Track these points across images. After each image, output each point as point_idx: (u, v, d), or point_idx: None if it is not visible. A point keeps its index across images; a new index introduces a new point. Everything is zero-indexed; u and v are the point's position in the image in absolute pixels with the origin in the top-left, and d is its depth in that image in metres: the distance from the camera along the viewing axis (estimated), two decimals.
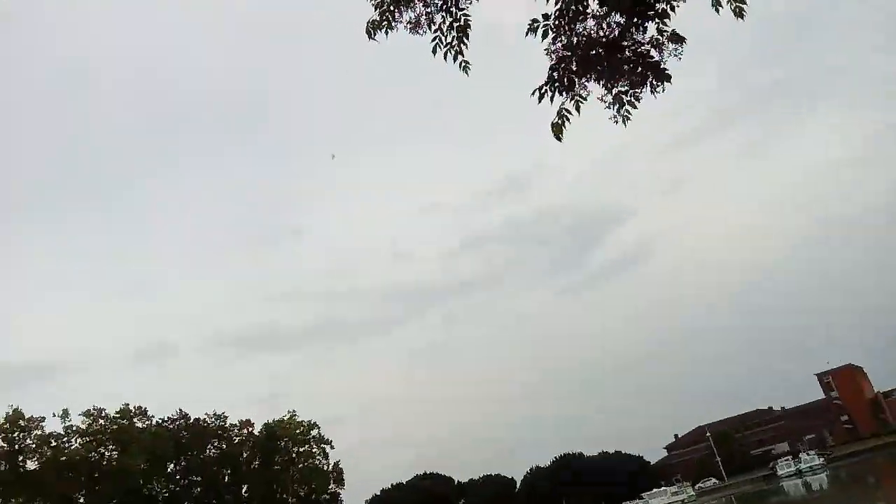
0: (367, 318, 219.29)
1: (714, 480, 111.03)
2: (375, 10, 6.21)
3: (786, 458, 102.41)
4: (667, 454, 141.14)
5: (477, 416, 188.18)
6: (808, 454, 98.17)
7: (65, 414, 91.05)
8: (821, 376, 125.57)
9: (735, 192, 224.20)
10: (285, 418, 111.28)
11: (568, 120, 6.26)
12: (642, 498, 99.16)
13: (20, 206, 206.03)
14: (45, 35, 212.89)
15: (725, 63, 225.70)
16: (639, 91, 5.93)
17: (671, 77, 5.65)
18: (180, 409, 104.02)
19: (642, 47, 5.78)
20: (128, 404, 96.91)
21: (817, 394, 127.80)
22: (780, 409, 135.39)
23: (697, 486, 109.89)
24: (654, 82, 5.75)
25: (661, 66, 5.68)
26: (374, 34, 6.15)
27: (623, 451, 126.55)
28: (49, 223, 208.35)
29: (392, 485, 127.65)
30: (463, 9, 6.23)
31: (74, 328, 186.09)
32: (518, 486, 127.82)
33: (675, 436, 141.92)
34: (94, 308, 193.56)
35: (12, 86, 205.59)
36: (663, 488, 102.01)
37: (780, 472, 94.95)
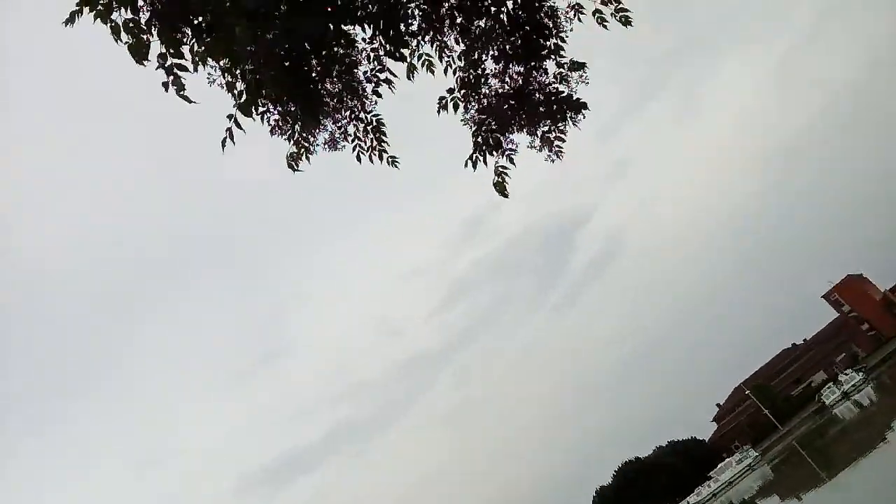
0: (383, 404, 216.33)
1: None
2: (289, 141, 6.20)
3: (827, 385, 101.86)
4: (717, 426, 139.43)
5: (521, 464, 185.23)
6: (845, 374, 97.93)
7: None
8: (827, 296, 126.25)
9: (677, 155, 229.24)
10: None
11: (507, 175, 6.28)
12: (710, 477, 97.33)
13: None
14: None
15: (618, 49, 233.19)
16: (561, 125, 5.99)
17: (587, 104, 5.73)
18: None
19: (550, 86, 5.88)
20: None
21: (831, 314, 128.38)
22: (802, 341, 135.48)
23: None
24: (572, 114, 5.83)
25: (574, 98, 5.78)
26: (297, 165, 6.13)
27: (676, 440, 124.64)
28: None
29: None
30: (370, 111, 6.26)
31: None
32: None
33: (717, 405, 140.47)
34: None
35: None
36: (727, 460, 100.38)
37: (828, 402, 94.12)
